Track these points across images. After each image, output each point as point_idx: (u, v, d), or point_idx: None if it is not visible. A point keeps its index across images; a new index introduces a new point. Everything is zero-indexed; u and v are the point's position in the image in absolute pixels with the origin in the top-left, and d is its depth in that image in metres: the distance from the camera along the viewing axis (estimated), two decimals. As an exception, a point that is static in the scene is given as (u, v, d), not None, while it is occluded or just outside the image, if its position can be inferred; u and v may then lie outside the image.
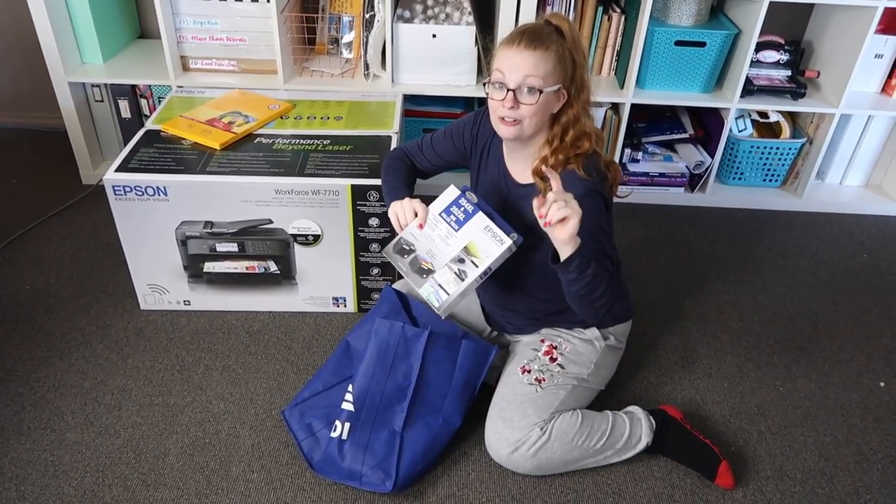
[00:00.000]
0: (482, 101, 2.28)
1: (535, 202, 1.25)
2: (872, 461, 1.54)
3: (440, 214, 1.39)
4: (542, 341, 1.55)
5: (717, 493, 1.45)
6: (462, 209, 1.38)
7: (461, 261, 1.36)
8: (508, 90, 1.29)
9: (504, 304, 1.60)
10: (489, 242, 1.35)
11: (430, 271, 1.36)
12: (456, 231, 1.37)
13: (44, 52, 2.18)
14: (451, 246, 1.37)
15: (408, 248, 1.38)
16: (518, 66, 1.28)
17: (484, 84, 1.36)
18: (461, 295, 1.36)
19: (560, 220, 1.20)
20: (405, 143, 1.63)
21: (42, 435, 1.53)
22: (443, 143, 1.58)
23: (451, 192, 1.40)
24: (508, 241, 1.34)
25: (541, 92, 1.28)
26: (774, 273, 2.14)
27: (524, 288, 1.53)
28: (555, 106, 1.34)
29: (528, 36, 1.29)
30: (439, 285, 1.35)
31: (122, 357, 1.74)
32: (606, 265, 1.31)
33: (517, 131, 1.33)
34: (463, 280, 1.34)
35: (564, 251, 1.24)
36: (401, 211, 1.41)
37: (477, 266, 1.34)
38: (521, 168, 1.44)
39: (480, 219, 1.37)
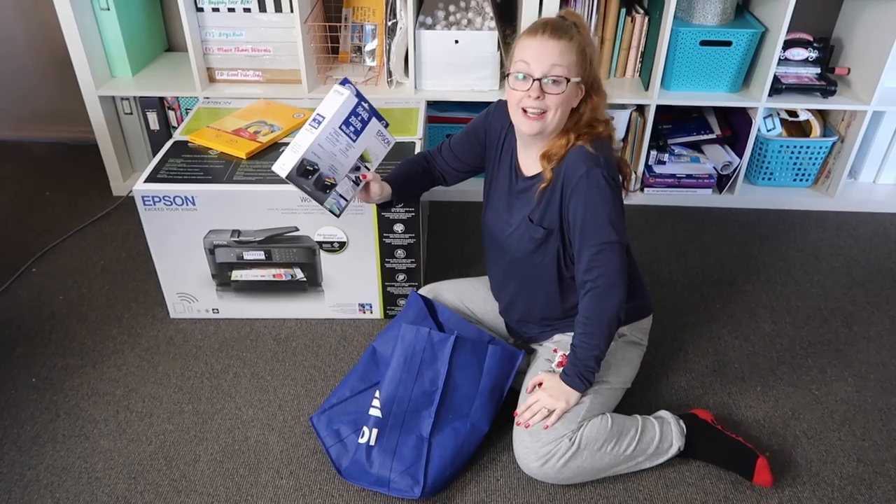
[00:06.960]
0: (505, 106, 2.27)
1: (524, 391, 1.46)
2: (914, 466, 1.50)
3: (340, 128, 1.40)
4: (555, 351, 1.52)
5: (751, 500, 1.42)
6: (359, 118, 1.42)
7: (357, 168, 1.45)
8: (534, 80, 1.27)
9: (513, 306, 1.58)
10: (380, 146, 1.48)
11: (332, 186, 1.42)
12: (354, 142, 1.43)
13: (74, 67, 2.22)
14: (349, 157, 1.43)
15: (311, 168, 1.38)
16: (544, 55, 1.26)
17: (505, 76, 1.34)
18: (355, 195, 1.47)
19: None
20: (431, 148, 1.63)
21: (76, 442, 1.55)
22: (460, 143, 1.57)
23: (349, 102, 1.39)
24: (393, 141, 1.50)
25: (567, 81, 1.27)
26: (807, 274, 2.09)
27: (529, 293, 1.51)
28: (575, 101, 1.33)
29: (551, 26, 1.27)
30: (340, 195, 1.44)
31: (152, 365, 1.76)
32: (613, 295, 1.33)
33: (541, 125, 1.31)
34: (358, 185, 1.46)
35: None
36: None
37: (369, 169, 1.47)
38: (531, 161, 1.41)
39: (374, 125, 1.45)
